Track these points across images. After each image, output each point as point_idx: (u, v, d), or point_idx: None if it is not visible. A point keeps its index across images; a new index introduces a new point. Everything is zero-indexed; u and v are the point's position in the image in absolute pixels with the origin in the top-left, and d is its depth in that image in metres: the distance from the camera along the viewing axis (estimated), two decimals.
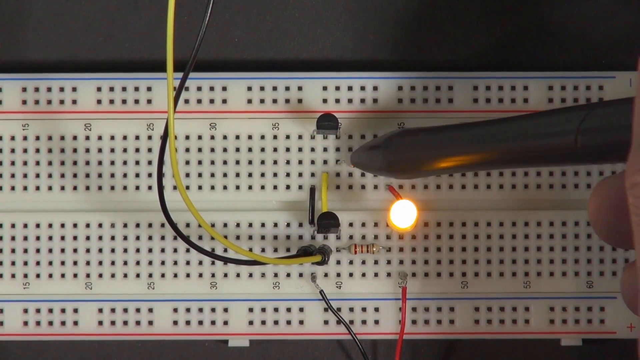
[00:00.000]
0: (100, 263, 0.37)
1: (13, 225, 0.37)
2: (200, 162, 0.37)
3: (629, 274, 0.28)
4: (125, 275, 0.37)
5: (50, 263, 0.37)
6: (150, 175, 0.37)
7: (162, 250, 0.37)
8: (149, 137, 0.37)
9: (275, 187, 0.37)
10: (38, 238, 0.37)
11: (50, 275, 0.37)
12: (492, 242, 0.37)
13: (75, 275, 0.37)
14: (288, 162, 0.37)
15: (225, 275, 0.37)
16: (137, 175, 0.37)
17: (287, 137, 0.37)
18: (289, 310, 0.37)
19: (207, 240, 0.37)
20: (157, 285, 0.37)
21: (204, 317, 0.37)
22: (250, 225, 0.37)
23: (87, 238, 0.37)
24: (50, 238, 0.37)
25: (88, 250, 0.37)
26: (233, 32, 0.38)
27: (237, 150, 0.37)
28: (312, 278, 0.37)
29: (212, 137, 0.37)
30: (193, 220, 0.37)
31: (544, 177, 0.37)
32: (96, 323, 0.37)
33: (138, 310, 0.37)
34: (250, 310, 0.37)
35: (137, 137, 0.37)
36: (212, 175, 0.37)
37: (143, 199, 0.37)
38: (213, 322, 0.37)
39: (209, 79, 0.37)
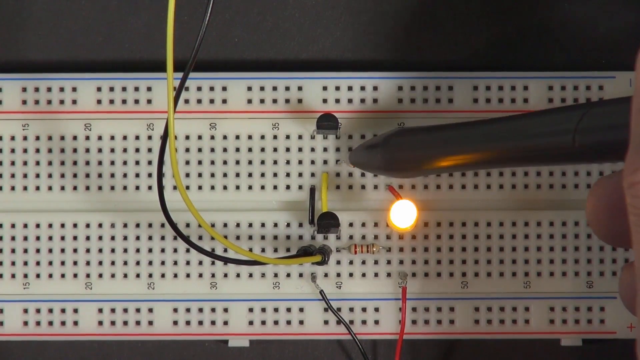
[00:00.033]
0: (100, 263, 0.37)
1: (13, 225, 0.37)
2: (200, 162, 0.37)
3: (627, 274, 0.28)
4: (125, 275, 0.37)
5: (50, 263, 0.37)
6: (150, 175, 0.37)
7: (162, 250, 0.37)
8: (149, 137, 0.37)
9: (275, 187, 0.37)
10: (38, 238, 0.37)
11: (50, 275, 0.37)
12: (492, 242, 0.37)
13: (75, 275, 0.37)
14: (288, 162, 0.37)
15: (225, 275, 0.37)
16: (137, 175, 0.37)
17: (287, 137, 0.37)
18: (289, 310, 0.37)
19: (207, 240, 0.37)
20: (157, 285, 0.37)
21: (204, 317, 0.37)
22: (250, 225, 0.37)
23: (87, 238, 0.37)
24: (50, 238, 0.37)
25: (88, 250, 0.37)
26: (233, 32, 0.38)
27: (237, 150, 0.37)
28: (312, 278, 0.37)
29: (212, 137, 0.37)
30: (193, 220, 0.37)
31: (544, 177, 0.37)
32: (96, 323, 0.37)
33: (138, 310, 0.37)
34: (250, 310, 0.37)
35: (137, 137, 0.37)
36: (212, 175, 0.37)
37: (143, 199, 0.37)
38: (213, 322, 0.37)
39: (209, 79, 0.37)
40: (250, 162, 0.37)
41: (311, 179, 0.37)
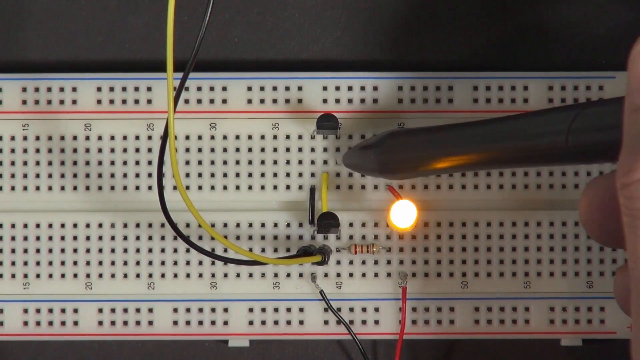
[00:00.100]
0: (100, 263, 0.37)
1: (13, 225, 0.37)
2: (200, 162, 0.37)
3: (621, 276, 0.28)
4: (125, 275, 0.37)
5: (50, 263, 0.37)
6: (150, 175, 0.37)
7: (162, 250, 0.37)
8: (149, 137, 0.37)
9: (275, 187, 0.37)
10: (38, 238, 0.37)
11: (50, 275, 0.37)
12: (492, 242, 0.37)
13: (75, 275, 0.37)
14: (288, 162, 0.37)
15: (225, 275, 0.37)
16: (137, 175, 0.37)
17: (287, 137, 0.37)
18: (289, 310, 0.37)
19: (207, 240, 0.37)
20: (157, 285, 0.37)
21: (204, 317, 0.37)
22: (250, 225, 0.37)
23: (87, 238, 0.37)
24: (50, 238, 0.37)
25: (88, 250, 0.37)
26: (233, 32, 0.38)
27: (237, 150, 0.37)
28: (312, 278, 0.37)
29: (212, 137, 0.37)
30: (193, 220, 0.37)
31: (544, 177, 0.37)
32: (96, 323, 0.37)
33: (138, 310, 0.37)
34: (250, 310, 0.37)
35: (137, 137, 0.37)
36: (212, 175, 0.37)
37: (143, 199, 0.37)
38: (213, 322, 0.37)
39: (209, 79, 0.37)
40: (250, 162, 0.37)
41: (311, 179, 0.37)
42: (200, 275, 0.37)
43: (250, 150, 0.37)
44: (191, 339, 0.37)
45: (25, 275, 0.37)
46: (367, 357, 0.37)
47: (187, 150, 0.37)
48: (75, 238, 0.37)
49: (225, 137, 0.37)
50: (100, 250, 0.37)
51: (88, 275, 0.37)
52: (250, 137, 0.37)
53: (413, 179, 0.37)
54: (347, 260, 0.37)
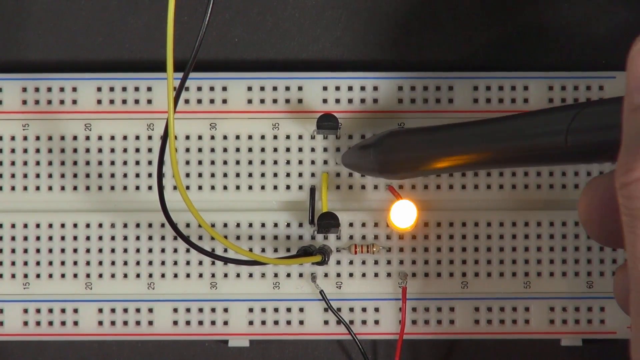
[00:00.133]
0: (100, 263, 0.37)
1: (13, 225, 0.37)
2: (200, 162, 0.37)
3: (620, 275, 0.28)
4: (125, 275, 0.37)
5: (50, 263, 0.37)
6: (150, 175, 0.37)
7: (162, 250, 0.37)
8: (149, 137, 0.37)
9: (275, 187, 0.37)
10: (38, 238, 0.37)
11: (50, 275, 0.37)
12: (492, 242, 0.37)
13: (75, 275, 0.37)
14: (288, 162, 0.37)
15: (225, 275, 0.37)
16: (137, 175, 0.37)
17: (287, 137, 0.37)
18: (289, 310, 0.37)
19: (207, 240, 0.37)
20: (157, 285, 0.37)
21: (204, 317, 0.37)
22: (251, 225, 0.37)
23: (87, 238, 0.37)
24: (50, 238, 0.37)
25: (88, 250, 0.37)
26: (233, 32, 0.38)
27: (237, 150, 0.37)
28: (312, 278, 0.37)
29: (212, 137, 0.37)
30: (193, 220, 0.37)
31: (544, 177, 0.37)
32: (96, 323, 0.37)
33: (138, 310, 0.37)
34: (250, 310, 0.37)
35: (137, 137, 0.37)
36: (212, 175, 0.37)
37: (143, 199, 0.37)
38: (213, 322, 0.37)
39: (209, 79, 0.37)
40: (250, 162, 0.37)
41: (311, 179, 0.37)
42: (200, 275, 0.37)
43: (250, 150, 0.37)
44: (191, 339, 0.37)
45: (25, 275, 0.37)
46: (367, 357, 0.37)
47: (187, 150, 0.37)
48: (75, 238, 0.37)
49: (225, 137, 0.37)
50: (100, 250, 0.37)
51: (88, 275, 0.37)
52: (250, 137, 0.37)
53: (413, 178, 0.37)
54: (347, 260, 0.37)
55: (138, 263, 0.37)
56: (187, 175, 0.37)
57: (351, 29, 0.38)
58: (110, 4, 0.38)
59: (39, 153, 0.37)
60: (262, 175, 0.37)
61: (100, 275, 0.37)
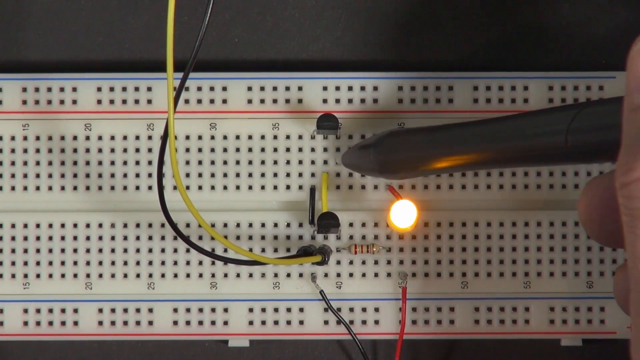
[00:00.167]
0: (100, 263, 0.37)
1: (13, 225, 0.37)
2: (200, 162, 0.37)
3: (620, 275, 0.28)
4: (125, 275, 0.37)
5: (50, 263, 0.37)
6: (150, 175, 0.37)
7: (162, 250, 0.37)
8: (149, 137, 0.37)
9: (275, 187, 0.37)
10: (38, 238, 0.37)
11: (50, 275, 0.37)
12: (492, 242, 0.37)
13: (75, 275, 0.37)
14: (288, 162, 0.37)
15: (225, 275, 0.37)
16: (137, 175, 0.37)
17: (287, 137, 0.37)
18: (289, 310, 0.37)
19: (207, 240, 0.37)
20: (157, 285, 0.37)
21: (204, 317, 0.37)
22: (251, 225, 0.37)
23: (87, 238, 0.37)
24: (50, 238, 0.37)
25: (88, 250, 0.37)
26: (233, 32, 0.38)
27: (237, 150, 0.37)
28: (312, 278, 0.37)
29: (212, 137, 0.37)
30: (193, 220, 0.37)
31: (544, 177, 0.37)
32: (96, 323, 0.37)
33: (138, 310, 0.37)
34: (250, 310, 0.37)
35: (137, 137, 0.37)
36: (212, 175, 0.37)
37: (143, 199, 0.37)
38: (213, 322, 0.37)
39: (209, 79, 0.37)
40: (250, 162, 0.37)
41: (311, 179, 0.37)
42: (200, 275, 0.37)
43: (250, 150, 0.37)
44: (191, 339, 0.37)
45: (25, 275, 0.37)
46: (367, 357, 0.37)
47: (187, 150, 0.37)
48: (75, 238, 0.37)
49: (225, 137, 0.37)
50: (100, 250, 0.37)
51: (88, 275, 0.37)
52: (250, 137, 0.37)
53: (413, 178, 0.37)
54: (347, 260, 0.37)
55: (138, 263, 0.37)
56: (187, 175, 0.37)
57: (351, 29, 0.38)
58: (110, 4, 0.38)
59: (39, 153, 0.37)
60: (262, 175, 0.37)
61: (100, 275, 0.37)
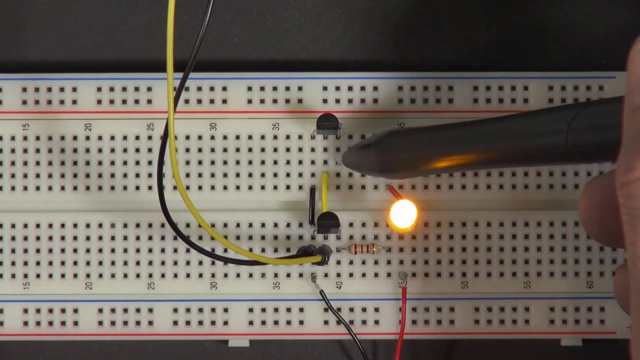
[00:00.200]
0: (100, 263, 0.37)
1: (13, 225, 0.37)
2: (200, 162, 0.37)
3: (620, 275, 0.28)
4: (125, 275, 0.37)
5: (50, 263, 0.37)
6: (150, 175, 0.37)
7: (162, 250, 0.37)
8: (149, 137, 0.37)
9: (275, 187, 0.37)
10: (38, 238, 0.37)
11: (50, 275, 0.37)
12: (492, 242, 0.37)
13: (75, 275, 0.37)
14: (288, 162, 0.37)
15: (225, 275, 0.37)
16: (137, 175, 0.37)
17: (287, 137, 0.37)
18: (289, 310, 0.37)
19: (207, 240, 0.37)
20: (157, 285, 0.37)
21: (204, 317, 0.37)
22: (251, 225, 0.37)
23: (87, 238, 0.37)
24: (50, 238, 0.37)
25: (88, 250, 0.37)
26: (233, 32, 0.38)
27: (237, 150, 0.37)
28: (312, 278, 0.37)
29: (212, 137, 0.37)
30: (193, 220, 0.37)
31: (544, 177, 0.37)
32: (96, 323, 0.37)
33: (138, 310, 0.37)
34: (250, 310, 0.37)
35: (137, 137, 0.37)
36: (212, 175, 0.37)
37: (143, 199, 0.37)
38: (213, 322, 0.37)
39: (209, 79, 0.37)
40: (250, 162, 0.37)
41: (311, 179, 0.37)
42: (200, 275, 0.37)
43: (250, 150, 0.37)
44: (191, 339, 0.37)
45: (25, 275, 0.37)
46: (367, 357, 0.37)
47: (187, 150, 0.37)
48: (75, 238, 0.37)
49: (225, 137, 0.37)
50: (100, 250, 0.37)
51: (88, 275, 0.37)
52: (250, 137, 0.37)
53: (413, 178, 0.37)
54: (347, 260, 0.37)
55: (138, 263, 0.37)
56: (187, 175, 0.37)
57: (351, 29, 0.38)
58: (110, 4, 0.38)
59: (39, 153, 0.37)
60: (262, 175, 0.37)
61: (100, 275, 0.37)
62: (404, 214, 0.36)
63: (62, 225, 0.37)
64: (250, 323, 0.37)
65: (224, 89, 0.37)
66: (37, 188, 0.37)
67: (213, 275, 0.37)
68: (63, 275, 0.37)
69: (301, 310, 0.37)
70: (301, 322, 0.37)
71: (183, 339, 0.37)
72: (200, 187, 0.37)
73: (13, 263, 0.37)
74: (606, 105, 0.26)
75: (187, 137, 0.37)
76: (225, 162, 0.37)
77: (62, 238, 0.37)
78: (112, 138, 0.37)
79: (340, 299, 0.37)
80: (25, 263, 0.37)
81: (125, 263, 0.37)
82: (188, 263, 0.37)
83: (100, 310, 0.37)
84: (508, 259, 0.37)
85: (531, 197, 0.37)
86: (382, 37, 0.38)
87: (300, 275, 0.37)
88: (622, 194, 0.24)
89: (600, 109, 0.27)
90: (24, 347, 0.38)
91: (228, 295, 0.37)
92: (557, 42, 0.38)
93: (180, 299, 0.37)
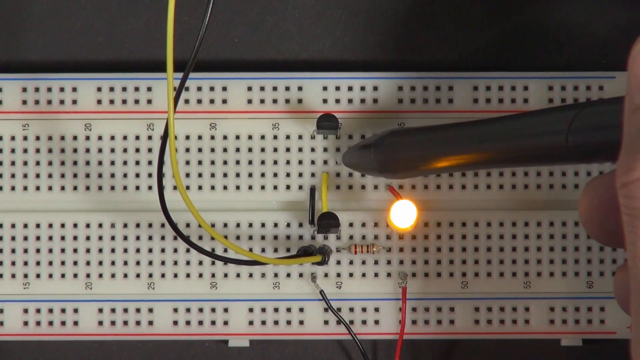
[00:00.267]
0: (100, 263, 0.37)
1: (13, 225, 0.37)
2: (200, 162, 0.37)
3: (620, 275, 0.28)
4: (125, 275, 0.37)
5: (50, 263, 0.37)
6: (150, 175, 0.37)
7: (162, 250, 0.37)
8: (149, 137, 0.37)
9: (275, 187, 0.37)
10: (38, 238, 0.37)
11: (50, 275, 0.37)
12: (492, 242, 0.37)
13: (75, 275, 0.37)
14: (288, 162, 0.37)
15: (225, 275, 0.37)
16: (137, 175, 0.37)
17: (287, 137, 0.37)
18: (289, 310, 0.37)
19: (207, 240, 0.37)
20: (157, 285, 0.37)
21: (204, 317, 0.37)
22: (251, 225, 0.37)
23: (87, 238, 0.37)
24: (50, 238, 0.37)
25: (88, 250, 0.37)
26: (233, 32, 0.38)
27: (237, 150, 0.37)
28: (312, 278, 0.37)
29: (212, 137, 0.37)
30: (193, 220, 0.37)
31: (544, 177, 0.37)
32: (96, 323, 0.37)
33: (138, 310, 0.37)
34: (250, 310, 0.37)
35: (137, 137, 0.37)
36: (212, 175, 0.37)
37: (143, 199, 0.37)
38: (213, 322, 0.37)
39: (209, 79, 0.37)
40: (250, 162, 0.37)
41: (311, 179, 0.37)
42: (200, 275, 0.37)
43: (250, 150, 0.37)
44: (191, 339, 0.37)
45: (25, 275, 0.37)
46: (367, 357, 0.37)
47: (187, 150, 0.37)
48: (75, 238, 0.37)
49: (225, 137, 0.37)
50: (100, 250, 0.37)
51: (88, 275, 0.37)
52: (250, 137, 0.37)
53: (413, 178, 0.37)
54: (347, 260, 0.37)
55: (138, 263, 0.37)
56: (187, 175, 0.37)
57: (351, 29, 0.38)
58: (110, 4, 0.38)
59: (39, 153, 0.37)
60: (262, 175, 0.37)
61: (100, 275, 0.37)
62: (404, 214, 0.36)
63: (62, 225, 0.37)
64: (250, 323, 0.37)
65: (224, 89, 0.37)
66: (37, 188, 0.37)
67: (213, 275, 0.37)
68: (63, 275, 0.37)
69: (301, 310, 0.37)
70: (301, 322, 0.37)
71: (183, 339, 0.37)
72: (200, 187, 0.37)
73: (13, 263, 0.37)
74: (606, 106, 0.26)
75: (187, 137, 0.37)
76: (225, 162, 0.37)
77: (62, 238, 0.37)
78: (112, 138, 0.37)
79: (340, 299, 0.37)
80: (25, 263, 0.37)
81: (125, 263, 0.37)
82: (188, 263, 0.37)
83: (100, 310, 0.37)
84: (508, 259, 0.37)
85: (531, 197, 0.37)
86: (382, 37, 0.38)
87: (300, 275, 0.37)
88: (622, 194, 0.24)
89: (601, 109, 0.27)
90: (24, 347, 0.38)
91: (228, 295, 0.37)
92: (557, 42, 0.38)
93: (180, 299, 0.37)
